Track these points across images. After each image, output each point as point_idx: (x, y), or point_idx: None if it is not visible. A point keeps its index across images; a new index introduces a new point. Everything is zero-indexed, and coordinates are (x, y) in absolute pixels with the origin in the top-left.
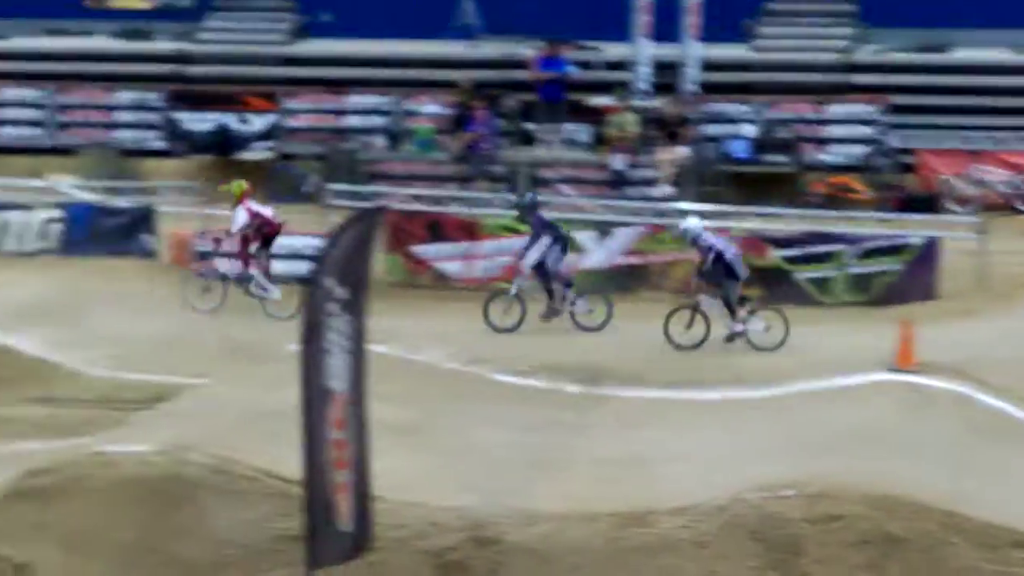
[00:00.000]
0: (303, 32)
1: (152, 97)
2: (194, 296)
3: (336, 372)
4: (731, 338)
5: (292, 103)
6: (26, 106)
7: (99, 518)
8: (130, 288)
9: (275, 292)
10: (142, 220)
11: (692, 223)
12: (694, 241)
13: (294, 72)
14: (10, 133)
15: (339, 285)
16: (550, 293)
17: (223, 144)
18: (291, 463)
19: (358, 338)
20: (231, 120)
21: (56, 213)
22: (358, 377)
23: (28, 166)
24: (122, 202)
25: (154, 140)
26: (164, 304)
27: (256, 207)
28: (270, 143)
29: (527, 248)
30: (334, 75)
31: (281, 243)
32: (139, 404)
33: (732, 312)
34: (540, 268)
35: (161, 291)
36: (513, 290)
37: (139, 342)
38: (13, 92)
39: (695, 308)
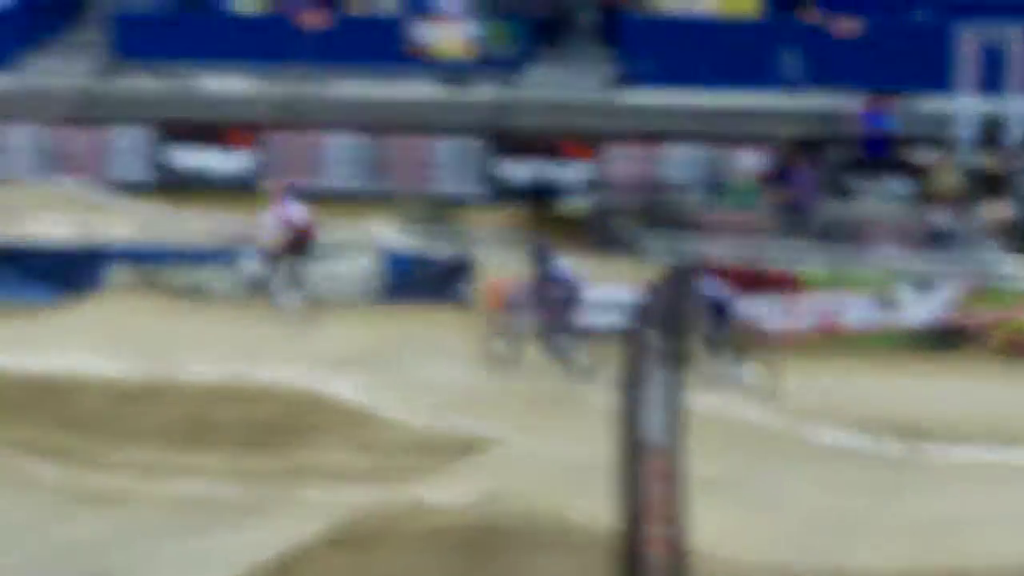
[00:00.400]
0: (623, 82)
1: (472, 146)
2: (501, 346)
3: (653, 425)
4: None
5: (611, 153)
6: (349, 153)
7: (415, 566)
8: (447, 337)
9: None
10: (460, 269)
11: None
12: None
13: (613, 122)
14: (332, 180)
15: (658, 337)
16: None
17: (541, 193)
18: (604, 515)
19: (675, 391)
20: (550, 169)
21: (375, 261)
22: (675, 430)
23: (348, 214)
24: (440, 251)
25: (473, 189)
26: (480, 353)
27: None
28: (588, 193)
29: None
30: (653, 125)
31: (598, 294)
32: (455, 453)
33: (716, 350)
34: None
35: (477, 340)
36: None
37: (456, 391)
38: (336, 140)
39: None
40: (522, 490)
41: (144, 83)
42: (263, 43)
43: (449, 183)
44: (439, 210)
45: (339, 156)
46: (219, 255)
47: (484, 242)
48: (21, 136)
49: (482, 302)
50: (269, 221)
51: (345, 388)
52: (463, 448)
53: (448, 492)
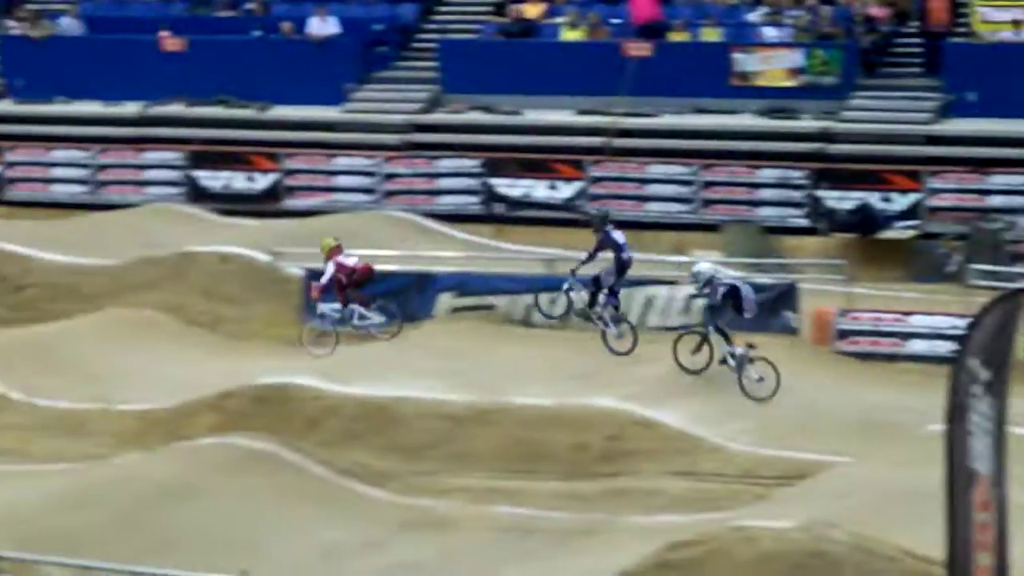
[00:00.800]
0: (948, 110)
1: (795, 175)
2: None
3: (979, 453)
4: (725, 361)
5: (935, 182)
6: (673, 182)
7: None
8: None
9: (375, 319)
10: (784, 297)
11: (704, 267)
12: (708, 282)
13: (938, 151)
14: (657, 209)
15: (982, 366)
16: (593, 297)
17: (865, 222)
18: (930, 544)
19: (1000, 420)
20: (874, 199)
21: (700, 289)
22: (1000, 459)
23: (673, 242)
24: (764, 279)
25: (797, 218)
26: (804, 381)
27: (343, 260)
28: (912, 222)
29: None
30: (978, 154)
31: (922, 322)
32: (780, 480)
33: (727, 338)
34: (595, 280)
35: (801, 368)
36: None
37: (778, 418)
38: (661, 169)
39: (703, 336)
40: (849, 516)
41: (471, 115)
42: (588, 73)
43: (772, 212)
44: (763, 238)
45: (663, 185)
46: (545, 283)
47: (808, 270)
48: (353, 166)
49: (807, 330)
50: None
51: (670, 414)
52: (790, 475)
53: (774, 518)
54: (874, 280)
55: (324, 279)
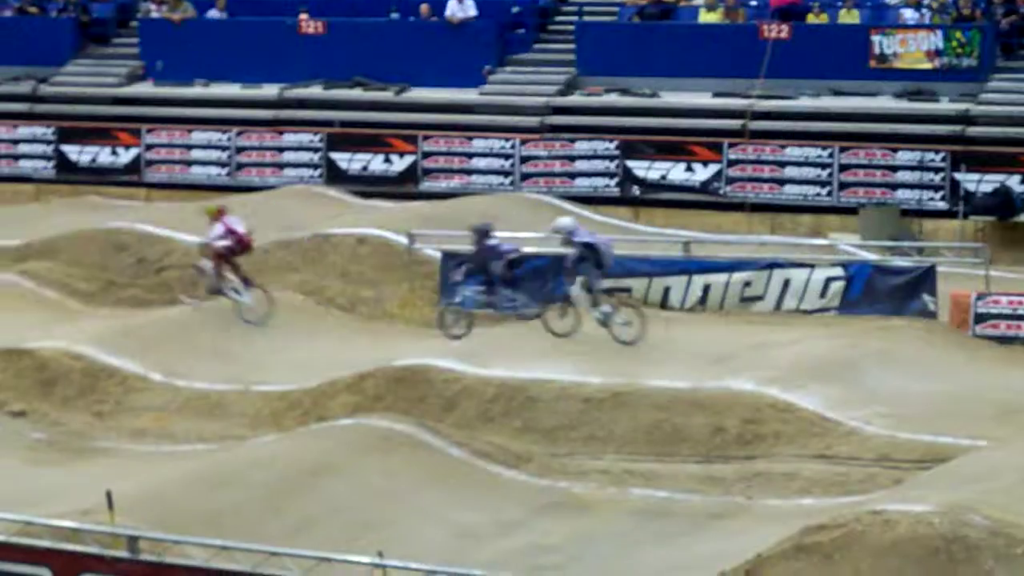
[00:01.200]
0: None
1: (933, 157)
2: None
3: None
4: (604, 322)
5: None
6: (810, 165)
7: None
8: (907, 348)
9: (247, 298)
10: (922, 280)
11: (565, 221)
12: (568, 238)
13: None
14: (794, 191)
15: None
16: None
17: (1003, 205)
18: None
19: None
20: (1012, 181)
21: (837, 272)
22: None
23: (810, 224)
24: (901, 262)
25: (935, 200)
26: (941, 365)
27: (234, 224)
28: None
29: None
30: None
31: None
32: (916, 464)
33: (596, 297)
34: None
35: (939, 352)
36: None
37: (915, 402)
38: (798, 151)
39: (567, 300)
40: (987, 501)
41: (608, 97)
42: (725, 55)
43: (910, 194)
44: (900, 221)
45: (801, 167)
46: (682, 265)
47: (946, 254)
48: (490, 148)
49: (945, 313)
50: None
51: (806, 398)
52: (927, 459)
53: (911, 502)
54: (1012, 263)
55: (212, 236)
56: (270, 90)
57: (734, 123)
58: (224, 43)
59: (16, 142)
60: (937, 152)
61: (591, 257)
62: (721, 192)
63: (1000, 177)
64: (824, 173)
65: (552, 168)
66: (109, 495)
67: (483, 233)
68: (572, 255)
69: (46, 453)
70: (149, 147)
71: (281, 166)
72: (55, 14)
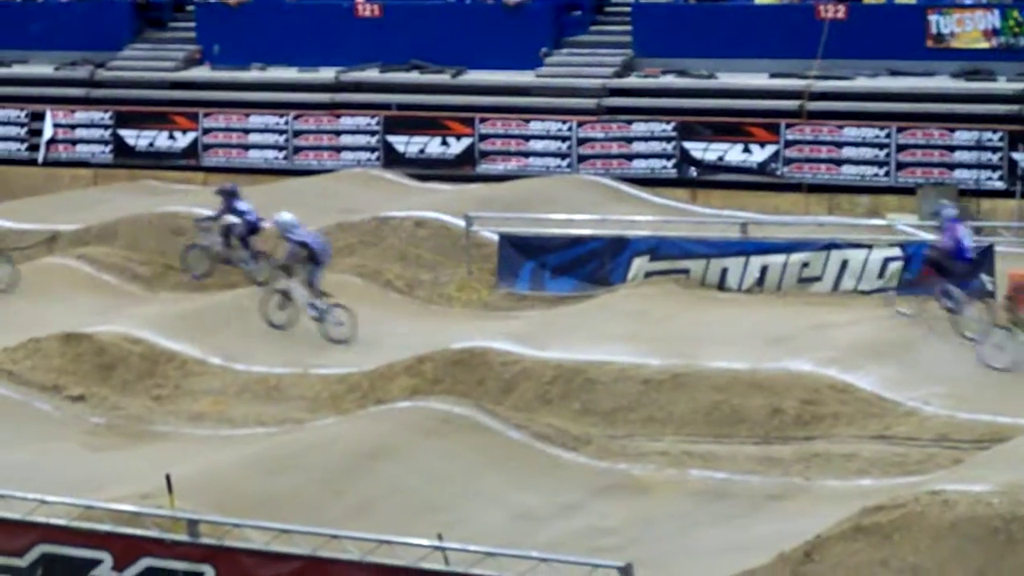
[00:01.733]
0: None
1: (991, 137)
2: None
3: None
4: (319, 318)
5: None
6: (867, 145)
7: (935, 556)
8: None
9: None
10: (980, 260)
11: (284, 217)
12: (285, 233)
13: None
14: (852, 172)
15: None
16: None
17: None
18: None
19: None
20: None
21: (895, 252)
22: None
23: (868, 205)
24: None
25: (992, 180)
26: (1002, 344)
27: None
28: None
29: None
30: None
31: None
32: (975, 444)
33: (315, 293)
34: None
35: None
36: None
37: (973, 381)
38: (856, 132)
39: (285, 293)
40: None
41: (665, 79)
42: (782, 36)
43: (968, 174)
44: (959, 201)
45: (858, 148)
46: (739, 247)
47: (1004, 232)
48: (547, 130)
49: (1002, 293)
50: None
51: (864, 378)
52: (986, 439)
53: (970, 483)
54: None
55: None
56: (327, 73)
57: (791, 104)
58: (281, 27)
59: (74, 127)
60: (995, 132)
61: (307, 254)
62: (778, 173)
63: None
64: (882, 153)
65: (609, 150)
66: (169, 479)
67: (229, 194)
68: (290, 251)
69: (105, 437)
70: (206, 131)
71: (338, 149)
72: None
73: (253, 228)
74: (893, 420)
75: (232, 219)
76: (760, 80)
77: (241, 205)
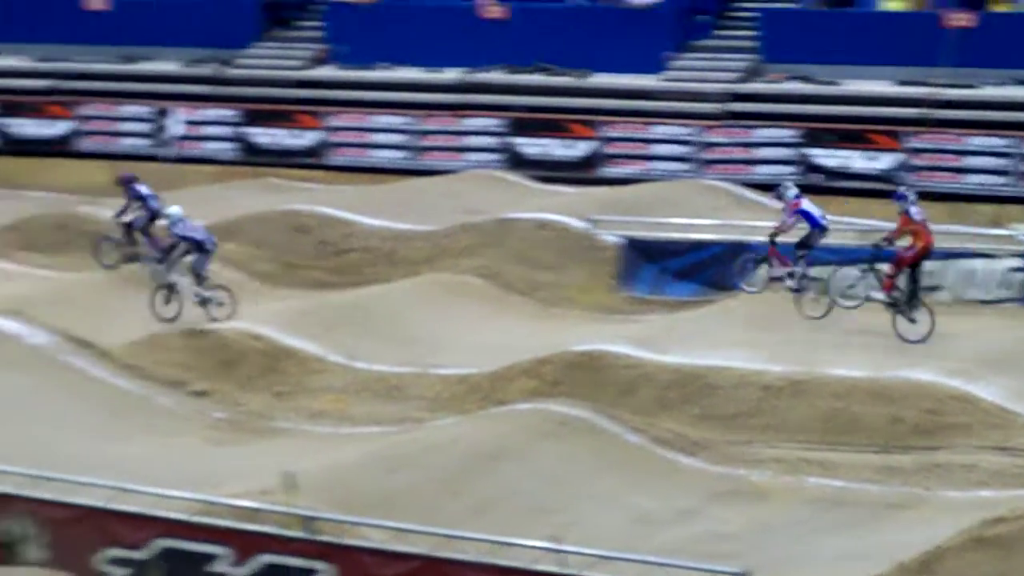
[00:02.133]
0: None
1: None
2: None
3: None
4: (202, 303)
5: None
6: (991, 155)
7: None
8: None
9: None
10: None
11: (174, 210)
12: (171, 228)
13: None
14: (975, 181)
15: None
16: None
17: None
18: None
19: None
20: None
21: (1018, 262)
22: None
23: (990, 214)
24: None
25: None
26: None
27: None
28: None
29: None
30: None
31: None
32: None
33: (200, 280)
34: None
35: None
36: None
37: None
38: (980, 140)
39: (171, 288)
40: None
41: (789, 84)
42: (908, 43)
43: None
44: None
45: (982, 157)
46: (859, 254)
47: None
48: (670, 135)
49: None
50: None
51: (985, 389)
52: None
53: None
54: None
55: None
56: (451, 74)
57: (915, 112)
58: (407, 27)
59: (199, 124)
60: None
61: (192, 247)
62: (902, 181)
63: None
64: (1006, 163)
65: (732, 155)
66: (290, 476)
67: (129, 181)
68: (178, 246)
69: (226, 433)
70: (332, 130)
71: (462, 150)
72: None
73: (155, 215)
74: (1014, 431)
75: (136, 213)
76: (884, 87)
77: (143, 189)
